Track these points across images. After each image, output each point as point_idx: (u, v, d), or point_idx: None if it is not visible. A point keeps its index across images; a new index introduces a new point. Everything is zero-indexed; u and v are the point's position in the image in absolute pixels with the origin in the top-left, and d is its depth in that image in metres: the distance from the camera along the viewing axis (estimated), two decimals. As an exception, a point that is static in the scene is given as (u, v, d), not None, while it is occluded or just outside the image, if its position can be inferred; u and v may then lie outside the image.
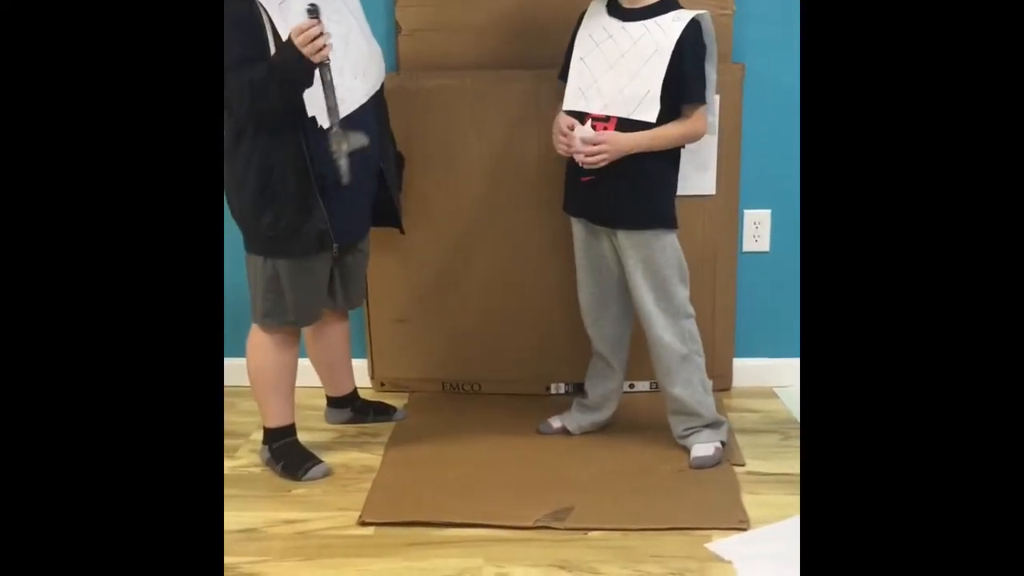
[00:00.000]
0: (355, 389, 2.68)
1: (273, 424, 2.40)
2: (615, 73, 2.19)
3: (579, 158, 2.20)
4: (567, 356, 2.74)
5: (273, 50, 2.04)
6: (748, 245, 2.75)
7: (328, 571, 2.01)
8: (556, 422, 2.56)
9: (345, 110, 2.12)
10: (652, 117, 2.16)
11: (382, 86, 2.31)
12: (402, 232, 2.49)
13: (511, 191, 2.64)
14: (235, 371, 2.84)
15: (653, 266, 2.28)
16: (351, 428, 2.66)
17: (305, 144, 2.10)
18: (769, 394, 2.81)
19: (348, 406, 2.67)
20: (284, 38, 2.01)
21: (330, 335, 2.52)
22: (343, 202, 2.18)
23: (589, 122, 2.21)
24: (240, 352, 2.86)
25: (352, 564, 2.03)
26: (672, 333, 2.32)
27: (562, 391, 2.81)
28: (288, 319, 2.27)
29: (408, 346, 2.80)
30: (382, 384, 2.87)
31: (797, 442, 2.40)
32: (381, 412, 2.69)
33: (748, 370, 2.82)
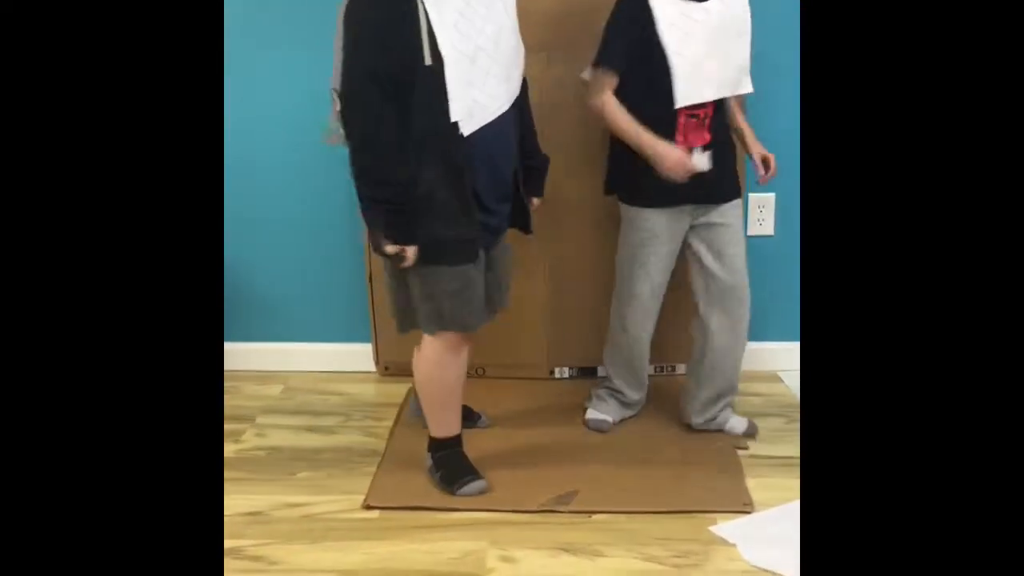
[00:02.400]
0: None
1: (438, 434, 2.29)
2: (712, 57, 2.18)
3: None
4: (572, 341, 2.74)
5: (426, 47, 1.89)
6: (752, 229, 2.75)
7: (333, 554, 2.02)
8: (605, 415, 2.53)
9: (487, 117, 2.00)
10: (750, 87, 2.28)
11: (525, 85, 2.16)
12: (529, 233, 2.32)
13: (515, 175, 2.63)
14: (240, 355, 2.87)
15: (741, 232, 2.36)
16: (355, 411, 2.66)
17: (452, 151, 1.97)
18: (773, 378, 2.82)
19: None
20: (440, 36, 1.89)
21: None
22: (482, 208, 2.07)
23: (699, 149, 2.23)
24: (245, 336, 2.89)
25: (357, 547, 2.04)
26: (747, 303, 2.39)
27: (566, 375, 2.82)
28: (445, 326, 2.13)
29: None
30: (386, 368, 2.88)
31: (801, 426, 2.41)
32: (466, 417, 2.42)
33: (752, 354, 2.81)
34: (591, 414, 2.53)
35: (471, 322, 2.15)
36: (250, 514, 2.18)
